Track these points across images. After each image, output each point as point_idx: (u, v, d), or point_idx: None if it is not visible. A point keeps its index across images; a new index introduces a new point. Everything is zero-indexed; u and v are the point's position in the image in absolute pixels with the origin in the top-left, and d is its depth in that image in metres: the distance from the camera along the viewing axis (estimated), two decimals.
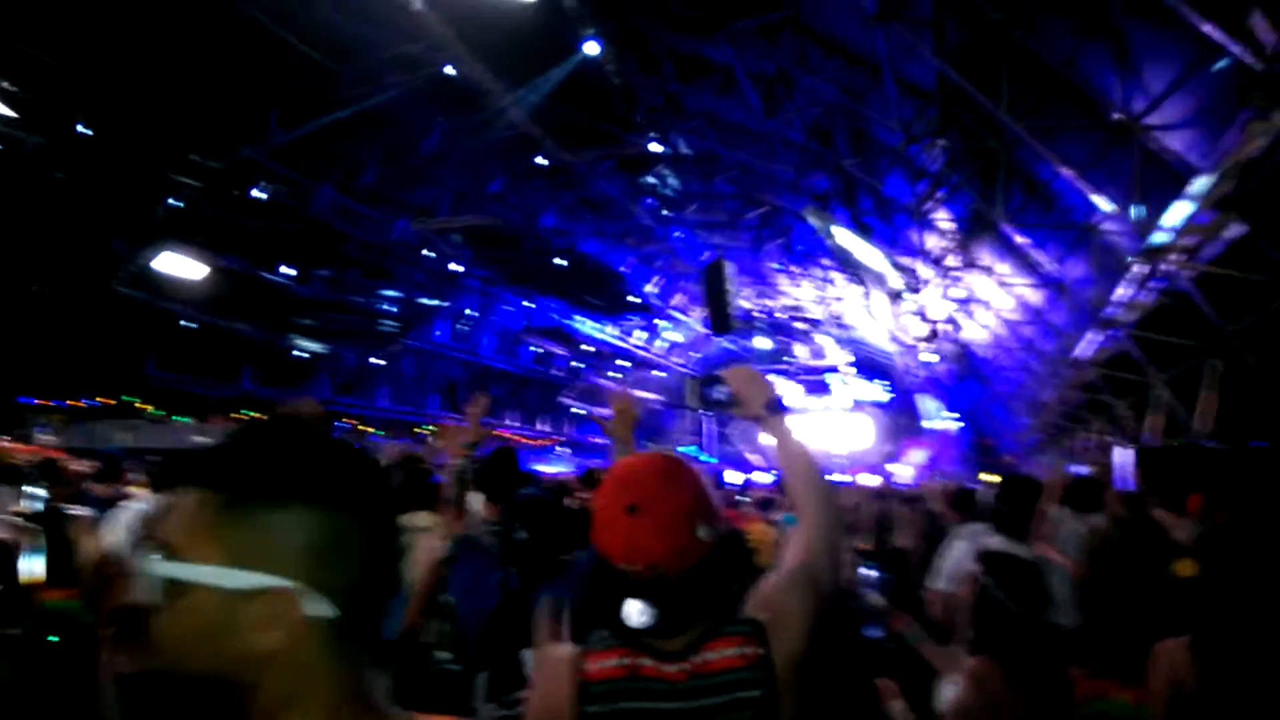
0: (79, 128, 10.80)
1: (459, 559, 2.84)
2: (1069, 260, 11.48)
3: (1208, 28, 5.73)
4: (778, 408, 1.77)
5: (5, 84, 9.58)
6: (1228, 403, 9.93)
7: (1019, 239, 12.13)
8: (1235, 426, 9.88)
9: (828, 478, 1.72)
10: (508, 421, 26.74)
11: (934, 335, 17.26)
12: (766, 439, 1.79)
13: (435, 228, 16.95)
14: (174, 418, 17.04)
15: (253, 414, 15.77)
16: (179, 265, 13.74)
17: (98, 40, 10.44)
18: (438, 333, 21.75)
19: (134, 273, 13.47)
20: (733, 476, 23.02)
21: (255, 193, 13.91)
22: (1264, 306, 8.23)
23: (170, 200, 13.35)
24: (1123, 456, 10.00)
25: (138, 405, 15.83)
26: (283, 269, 16.21)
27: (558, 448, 29.01)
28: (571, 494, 5.97)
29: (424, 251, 18.05)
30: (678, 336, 29.36)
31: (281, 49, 11.62)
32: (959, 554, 3.44)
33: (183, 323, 15.60)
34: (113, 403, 15.67)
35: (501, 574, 2.69)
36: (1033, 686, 2.33)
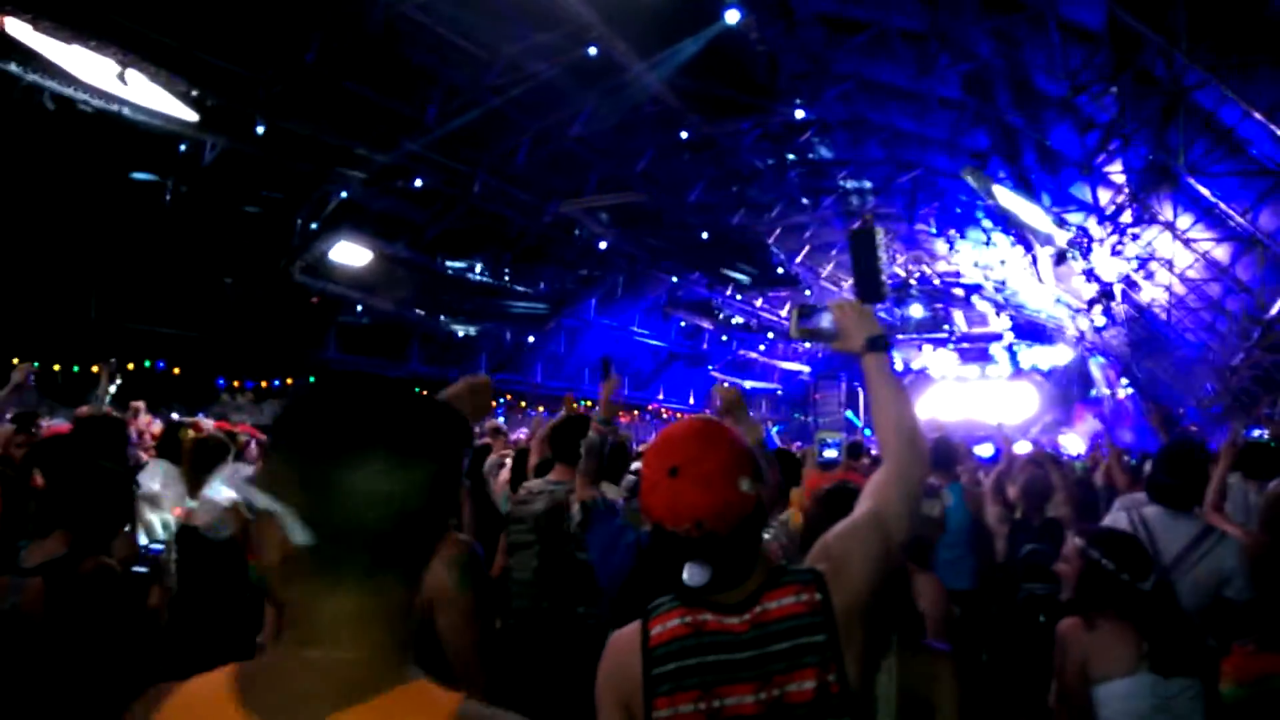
0: (257, 129, 11.74)
1: (592, 524, 2.98)
2: (1261, 211, 10.49)
3: None
4: (878, 344, 1.72)
5: (192, 90, 10.51)
6: None
7: (1203, 190, 11.14)
8: None
9: (918, 425, 1.68)
10: (660, 395, 27.12)
11: (1106, 297, 16.13)
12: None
13: (583, 207, 17.35)
14: None
15: (420, 390, 16.75)
16: (350, 254, 14.75)
17: (271, 46, 11.32)
18: (588, 311, 22.32)
19: (309, 262, 14.56)
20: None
21: (416, 182, 14.76)
22: None
23: (341, 193, 14.33)
24: None
25: None
26: (443, 253, 17.10)
27: None
28: None
29: (574, 231, 18.54)
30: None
31: (438, 44, 12.20)
32: (1111, 523, 3.27)
33: (358, 307, 16.75)
34: (294, 383, 17.02)
35: (634, 536, 2.80)
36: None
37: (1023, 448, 7.05)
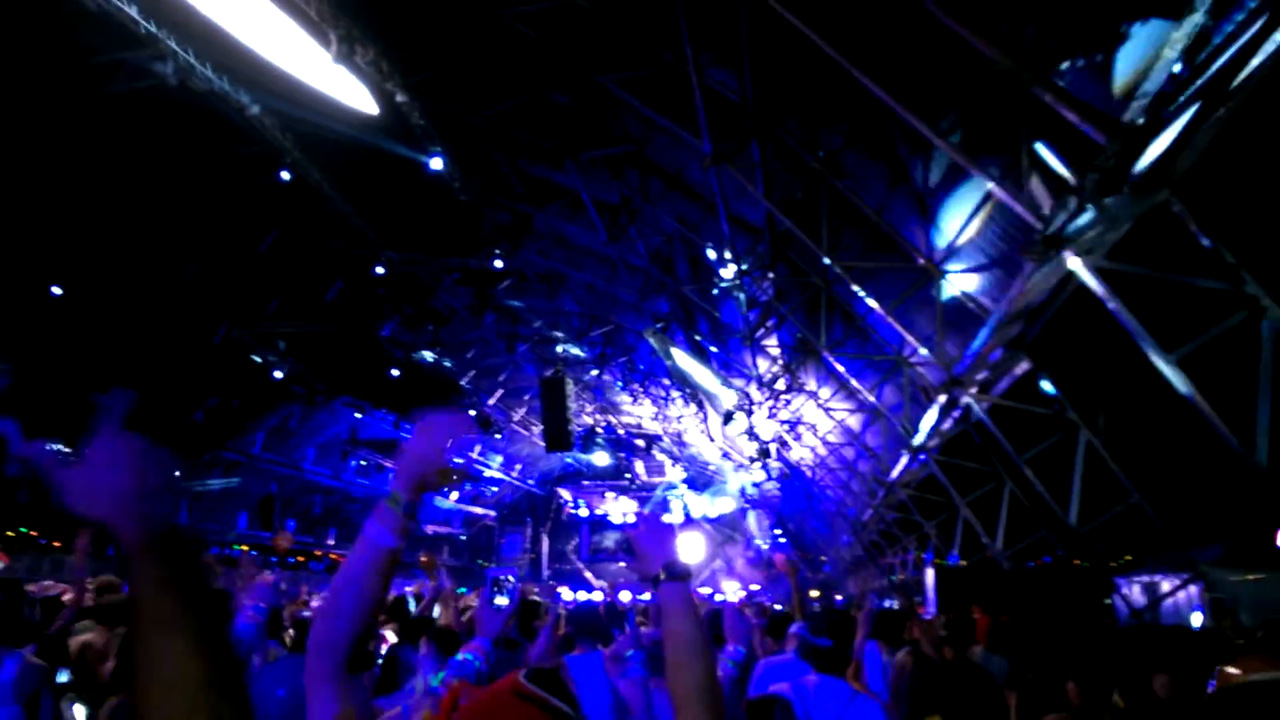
0: None
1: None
2: (884, 388, 12.29)
3: (995, 189, 6.46)
4: (674, 572, 1.52)
5: None
6: (1018, 524, 10.81)
7: (839, 367, 12.91)
8: (1025, 546, 10.75)
9: (717, 677, 1.45)
10: (329, 541, 25.15)
11: (764, 454, 17.85)
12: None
13: (257, 333, 16.17)
14: None
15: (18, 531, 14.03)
16: None
17: None
18: (254, 445, 20.42)
19: None
20: (568, 595, 22.47)
21: (54, 290, 12.87)
22: (1045, 437, 9.10)
23: None
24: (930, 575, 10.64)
25: None
26: (80, 373, 14.84)
27: None
28: None
29: (252, 357, 17.09)
30: (497, 460, 28.99)
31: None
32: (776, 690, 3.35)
33: None
34: None
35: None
36: None
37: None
